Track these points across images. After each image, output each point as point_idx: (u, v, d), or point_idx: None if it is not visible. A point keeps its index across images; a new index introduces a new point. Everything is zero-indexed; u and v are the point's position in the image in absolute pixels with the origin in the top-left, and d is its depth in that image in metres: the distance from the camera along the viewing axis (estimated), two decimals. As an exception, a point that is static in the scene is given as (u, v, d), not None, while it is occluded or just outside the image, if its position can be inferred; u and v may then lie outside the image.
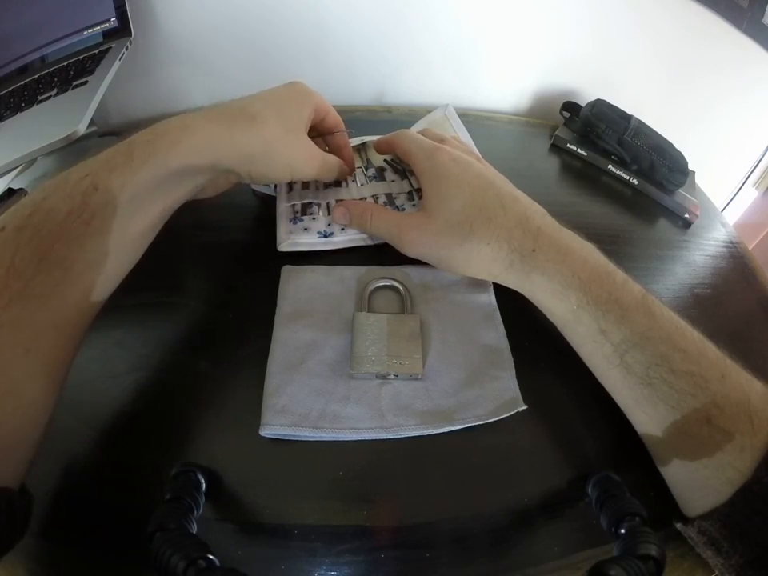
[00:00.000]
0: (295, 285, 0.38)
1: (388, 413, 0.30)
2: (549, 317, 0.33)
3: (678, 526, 0.26)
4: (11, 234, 0.23)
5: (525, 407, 0.31)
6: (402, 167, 0.49)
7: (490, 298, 0.38)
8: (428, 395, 0.31)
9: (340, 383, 0.32)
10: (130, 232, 0.27)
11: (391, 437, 0.30)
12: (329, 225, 0.43)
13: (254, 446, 0.29)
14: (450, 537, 0.27)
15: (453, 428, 0.30)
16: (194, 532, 0.23)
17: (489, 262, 0.33)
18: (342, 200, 0.46)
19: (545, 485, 0.29)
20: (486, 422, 0.30)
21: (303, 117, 0.34)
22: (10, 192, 0.47)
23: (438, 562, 0.26)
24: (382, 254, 0.41)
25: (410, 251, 0.36)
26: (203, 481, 0.26)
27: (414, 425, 0.30)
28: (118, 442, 0.30)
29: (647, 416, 0.28)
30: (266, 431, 0.29)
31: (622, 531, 0.23)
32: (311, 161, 0.35)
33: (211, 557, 0.20)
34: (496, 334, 0.35)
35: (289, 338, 0.34)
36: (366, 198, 0.46)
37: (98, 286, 0.26)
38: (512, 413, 0.31)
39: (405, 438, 0.30)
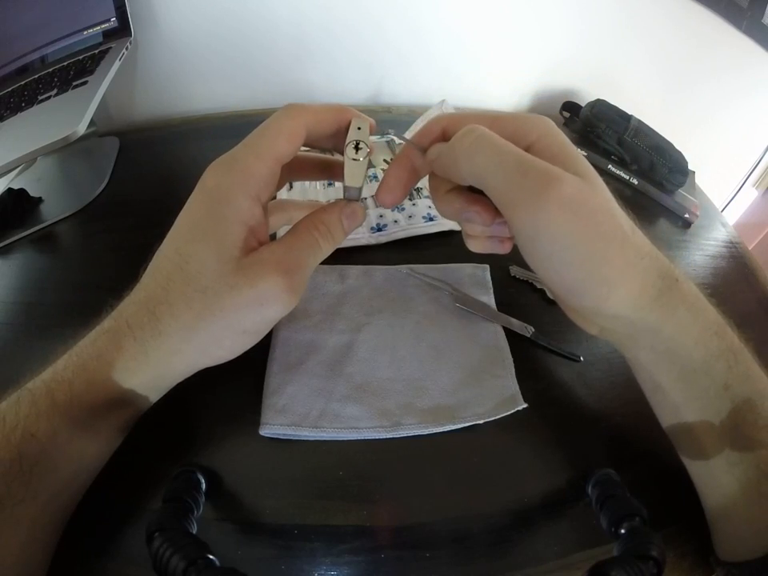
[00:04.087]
0: (295, 285, 0.38)
1: (388, 412, 0.30)
2: (666, 365, 0.25)
3: (711, 559, 0.26)
4: None
5: (525, 405, 0.31)
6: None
7: (490, 297, 0.38)
8: (428, 394, 0.31)
9: (340, 383, 0.32)
10: (63, 480, 0.23)
11: (391, 436, 0.30)
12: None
13: (254, 445, 0.29)
14: (450, 537, 0.27)
15: (453, 426, 0.30)
16: (194, 532, 0.23)
17: (641, 283, 0.23)
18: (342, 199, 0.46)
19: (545, 485, 0.29)
20: (487, 420, 0.30)
21: (232, 234, 0.23)
22: (10, 192, 0.48)
23: (438, 561, 0.26)
24: (382, 254, 0.41)
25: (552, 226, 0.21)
26: (203, 481, 0.26)
27: (414, 424, 0.30)
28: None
29: (733, 482, 0.24)
30: (265, 431, 0.29)
31: (622, 531, 0.23)
32: (283, 293, 0.23)
33: (211, 557, 0.20)
34: (496, 334, 0.35)
35: (289, 337, 0.34)
36: (365, 199, 0.46)
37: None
38: (512, 411, 0.31)
39: (405, 437, 0.30)
